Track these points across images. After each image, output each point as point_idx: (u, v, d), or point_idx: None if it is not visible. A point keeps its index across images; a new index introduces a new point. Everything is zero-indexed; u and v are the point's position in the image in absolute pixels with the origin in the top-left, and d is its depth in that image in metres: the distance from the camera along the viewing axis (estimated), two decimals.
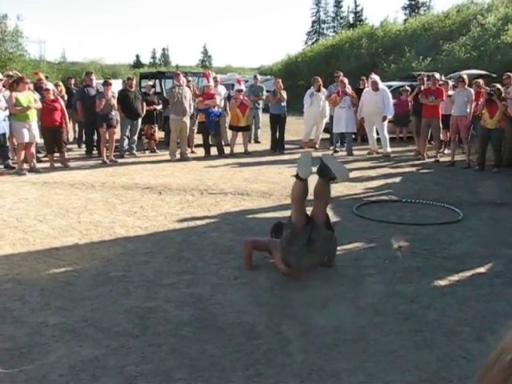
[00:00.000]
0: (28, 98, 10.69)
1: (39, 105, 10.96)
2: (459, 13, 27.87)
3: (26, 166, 10.87)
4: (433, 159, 12.17)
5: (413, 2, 56.43)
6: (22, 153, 10.66)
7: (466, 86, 11.56)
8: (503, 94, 10.62)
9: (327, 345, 3.80)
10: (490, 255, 5.77)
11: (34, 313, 4.31)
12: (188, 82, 13.47)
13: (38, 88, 12.21)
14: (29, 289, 4.83)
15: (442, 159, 12.11)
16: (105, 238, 6.42)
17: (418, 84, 13.33)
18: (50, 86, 11.80)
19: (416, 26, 30.42)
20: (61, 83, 14.97)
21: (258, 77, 16.52)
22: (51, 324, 4.10)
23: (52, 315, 4.26)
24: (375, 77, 13.18)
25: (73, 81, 15.88)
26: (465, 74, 13.45)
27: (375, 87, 12.81)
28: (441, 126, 11.91)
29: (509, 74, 12.24)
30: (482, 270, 5.35)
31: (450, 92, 12.07)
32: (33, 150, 11.02)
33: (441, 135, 12.20)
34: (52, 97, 11.33)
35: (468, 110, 11.37)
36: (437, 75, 12.55)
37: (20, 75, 12.30)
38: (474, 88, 11.85)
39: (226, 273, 5.25)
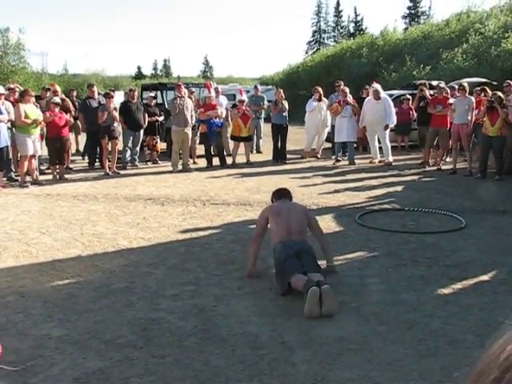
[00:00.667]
0: (35, 112, 10.75)
1: (41, 118, 11.02)
2: (459, 21, 27.93)
3: (28, 178, 10.90)
4: (435, 167, 12.17)
5: (412, 11, 56.62)
6: (25, 165, 10.69)
7: (467, 94, 11.59)
8: (504, 102, 10.64)
9: (331, 354, 3.79)
10: (493, 263, 5.76)
11: (38, 325, 4.31)
12: (191, 93, 13.51)
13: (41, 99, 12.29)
14: (32, 301, 4.84)
15: (443, 167, 12.12)
16: (108, 249, 6.43)
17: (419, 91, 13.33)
18: (57, 100, 11.81)
19: (416, 34, 30.48)
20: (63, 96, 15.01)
21: (259, 87, 16.56)
22: (55, 336, 4.11)
23: (55, 327, 4.27)
24: (377, 86, 13.21)
25: (75, 93, 15.94)
26: (465, 81, 13.47)
27: (377, 96, 12.84)
28: (448, 135, 11.90)
29: (509, 81, 12.26)
30: (485, 277, 5.34)
31: (451, 100, 12.09)
32: (35, 162, 11.05)
33: (452, 144, 12.14)
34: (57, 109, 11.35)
35: (469, 118, 11.39)
36: (442, 84, 12.57)
37: (22, 88, 12.33)
38: (475, 96, 11.87)
39: (229, 283, 5.25)
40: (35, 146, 10.74)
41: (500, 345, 0.56)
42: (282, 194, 5.97)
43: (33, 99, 11.35)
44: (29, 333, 4.17)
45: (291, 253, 5.05)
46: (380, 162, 13.12)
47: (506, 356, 0.54)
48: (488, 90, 12.06)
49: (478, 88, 12.42)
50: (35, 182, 10.86)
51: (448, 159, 12.95)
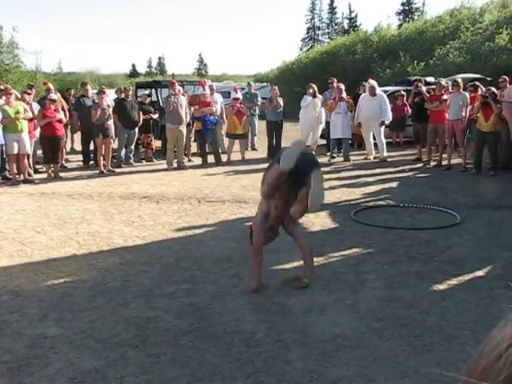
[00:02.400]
0: (17, 108, 10.68)
1: (29, 115, 10.96)
2: (452, 17, 27.96)
3: (21, 177, 10.87)
4: (433, 163, 12.18)
5: (406, 8, 56.69)
6: (15, 164, 10.67)
7: (461, 90, 11.60)
8: (498, 97, 10.67)
9: (327, 352, 3.79)
10: (488, 258, 5.77)
11: (33, 325, 4.30)
12: (185, 92, 13.51)
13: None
14: (27, 300, 4.82)
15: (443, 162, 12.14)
16: (103, 248, 6.41)
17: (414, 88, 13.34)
18: (54, 96, 11.78)
19: (410, 30, 30.50)
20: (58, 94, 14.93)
21: (252, 84, 16.55)
22: (50, 336, 4.09)
23: (51, 327, 4.26)
24: (373, 82, 13.21)
25: (72, 91, 15.83)
26: (459, 77, 13.48)
27: (373, 92, 12.84)
28: (446, 130, 11.90)
29: (505, 77, 12.29)
30: (480, 273, 5.35)
31: (445, 96, 12.10)
32: (26, 160, 11.00)
33: (446, 140, 12.13)
34: (53, 107, 11.32)
35: (463, 114, 11.40)
36: (443, 81, 12.58)
37: (3, 87, 12.20)
38: (469, 92, 11.88)
39: (224, 281, 5.24)
40: (23, 144, 10.68)
41: (500, 339, 0.55)
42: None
43: (26, 96, 11.32)
44: (24, 332, 4.16)
45: None
46: (375, 158, 13.13)
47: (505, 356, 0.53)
48: (481, 86, 12.08)
49: (471, 84, 12.43)
50: (27, 181, 10.82)
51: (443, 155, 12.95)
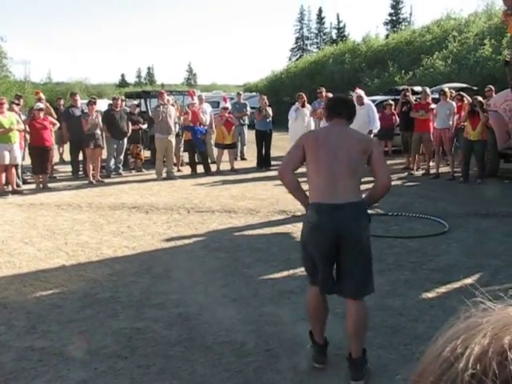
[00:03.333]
0: (10, 119, 10.64)
1: (21, 127, 10.94)
2: (439, 27, 28.24)
3: (9, 187, 10.81)
4: (421, 172, 12.26)
5: (394, 18, 57.13)
6: (3, 175, 10.61)
7: (448, 99, 11.71)
8: (484, 106, 10.78)
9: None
10: (476, 266, 5.80)
11: (21, 337, 4.27)
12: (175, 102, 13.54)
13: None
14: (15, 312, 4.79)
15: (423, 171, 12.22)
16: (92, 259, 6.39)
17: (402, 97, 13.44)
18: (41, 105, 11.75)
19: (398, 40, 30.76)
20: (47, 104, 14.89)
21: (241, 93, 16.60)
22: (38, 348, 4.06)
23: (39, 339, 4.23)
24: (360, 91, 13.26)
25: (62, 101, 15.79)
26: (446, 87, 13.59)
27: (361, 102, 12.89)
28: (432, 139, 12.01)
29: (490, 86, 12.42)
30: (469, 281, 5.37)
31: (433, 106, 12.20)
32: (14, 171, 10.94)
33: (434, 148, 12.23)
34: (42, 116, 11.28)
35: (450, 123, 11.50)
36: (428, 90, 12.68)
37: None
38: (456, 101, 11.99)
39: (214, 291, 5.23)
40: (14, 155, 10.62)
41: (441, 344, 0.56)
42: (337, 107, 3.89)
43: (14, 107, 11.28)
44: (12, 345, 4.13)
45: (321, 238, 3.57)
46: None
47: (446, 357, 0.53)
48: (466, 96, 12.20)
49: (457, 93, 12.55)
50: (15, 192, 10.76)
51: (430, 163, 13.04)
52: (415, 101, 12.65)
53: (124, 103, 14.25)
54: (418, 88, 15.91)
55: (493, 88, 12.72)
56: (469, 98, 11.74)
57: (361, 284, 3.62)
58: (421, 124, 11.98)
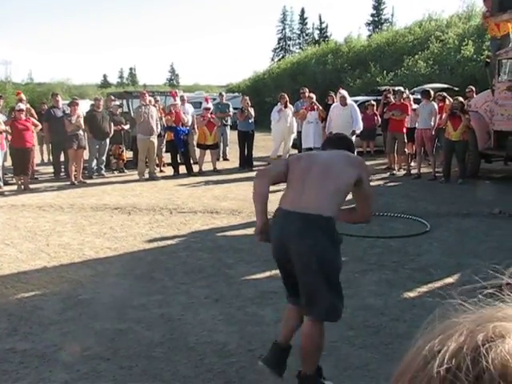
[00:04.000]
0: None
1: (2, 127, 10.86)
2: (420, 28, 28.46)
3: None
4: (403, 172, 12.35)
5: (376, 19, 57.49)
6: None
7: (430, 100, 11.82)
8: (465, 107, 10.90)
9: (298, 361, 3.80)
10: (457, 265, 5.86)
11: (2, 339, 4.24)
12: (156, 101, 13.50)
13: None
14: None
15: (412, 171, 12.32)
16: (74, 260, 6.36)
17: (383, 98, 13.55)
18: (22, 106, 11.66)
19: (379, 41, 30.94)
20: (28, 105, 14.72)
21: (224, 94, 16.62)
22: (20, 350, 4.04)
23: (20, 341, 4.20)
24: (344, 92, 13.34)
25: (46, 106, 15.49)
26: (428, 87, 13.72)
27: (344, 102, 12.97)
28: (405, 139, 12.14)
29: (471, 87, 12.55)
30: (450, 280, 5.43)
31: (415, 106, 12.30)
32: None
33: (406, 149, 12.40)
34: (23, 117, 11.20)
35: (432, 123, 11.60)
36: (402, 90, 12.78)
37: None
38: (437, 101, 12.11)
39: (196, 292, 5.23)
40: None
41: (421, 344, 0.58)
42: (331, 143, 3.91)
43: None
44: None
45: (278, 244, 3.37)
46: None
47: (423, 355, 0.55)
48: (447, 97, 12.34)
49: (438, 94, 12.68)
50: None
51: (412, 164, 13.14)
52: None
53: (113, 103, 14.18)
54: (399, 88, 16.05)
55: (474, 89, 12.87)
56: (450, 99, 11.87)
57: (314, 306, 3.28)
58: (395, 124, 12.13)
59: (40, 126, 11.99)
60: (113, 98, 14.76)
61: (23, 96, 13.39)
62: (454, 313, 0.59)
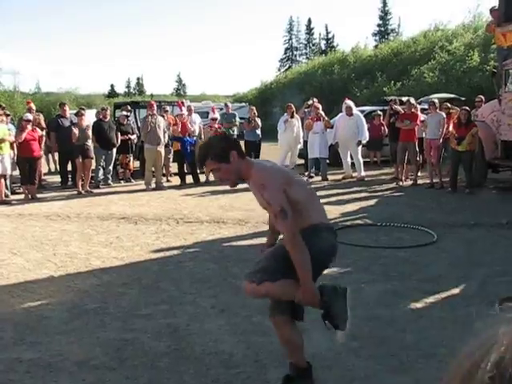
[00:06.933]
0: (3, 130, 10.65)
1: (12, 138, 10.95)
2: (426, 38, 28.48)
3: None
4: (410, 182, 12.32)
5: (382, 29, 57.58)
6: None
7: (438, 110, 11.80)
8: (472, 117, 10.89)
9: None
10: (464, 276, 5.83)
11: (8, 349, 4.25)
12: (165, 111, 13.52)
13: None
14: (2, 324, 4.76)
15: (418, 181, 12.28)
16: (80, 269, 6.37)
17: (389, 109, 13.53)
18: (29, 116, 11.73)
19: (386, 51, 30.99)
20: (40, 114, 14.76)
21: (229, 104, 16.69)
22: (26, 359, 4.04)
23: (26, 350, 4.20)
24: (349, 102, 13.38)
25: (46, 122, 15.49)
26: (435, 97, 13.72)
27: (350, 112, 13.00)
28: (417, 149, 12.10)
29: (481, 96, 12.52)
30: (456, 291, 5.41)
31: (423, 117, 12.30)
32: (3, 181, 10.91)
33: (418, 158, 12.36)
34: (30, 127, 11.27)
35: (439, 133, 11.58)
36: (412, 100, 12.77)
37: None
38: (444, 111, 12.09)
39: (202, 302, 5.23)
40: (4, 166, 10.62)
41: (465, 355, 0.61)
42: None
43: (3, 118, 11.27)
44: None
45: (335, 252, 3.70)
46: (353, 177, 13.24)
47: (467, 366, 0.60)
48: (453, 107, 12.31)
49: (443, 103, 12.66)
50: (3, 202, 10.71)
51: (420, 173, 13.11)
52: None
53: (125, 112, 14.20)
54: (405, 98, 16.05)
55: (483, 98, 12.85)
56: (457, 109, 11.85)
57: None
58: (406, 134, 12.07)
59: (41, 133, 12.05)
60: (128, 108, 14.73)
61: (33, 105, 13.48)
62: (491, 325, 0.62)
